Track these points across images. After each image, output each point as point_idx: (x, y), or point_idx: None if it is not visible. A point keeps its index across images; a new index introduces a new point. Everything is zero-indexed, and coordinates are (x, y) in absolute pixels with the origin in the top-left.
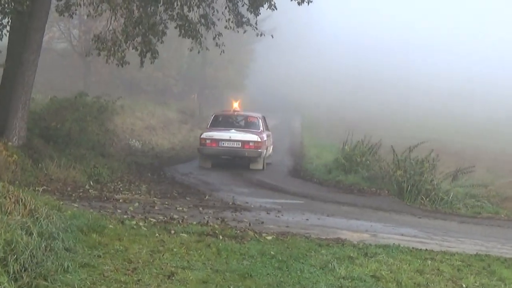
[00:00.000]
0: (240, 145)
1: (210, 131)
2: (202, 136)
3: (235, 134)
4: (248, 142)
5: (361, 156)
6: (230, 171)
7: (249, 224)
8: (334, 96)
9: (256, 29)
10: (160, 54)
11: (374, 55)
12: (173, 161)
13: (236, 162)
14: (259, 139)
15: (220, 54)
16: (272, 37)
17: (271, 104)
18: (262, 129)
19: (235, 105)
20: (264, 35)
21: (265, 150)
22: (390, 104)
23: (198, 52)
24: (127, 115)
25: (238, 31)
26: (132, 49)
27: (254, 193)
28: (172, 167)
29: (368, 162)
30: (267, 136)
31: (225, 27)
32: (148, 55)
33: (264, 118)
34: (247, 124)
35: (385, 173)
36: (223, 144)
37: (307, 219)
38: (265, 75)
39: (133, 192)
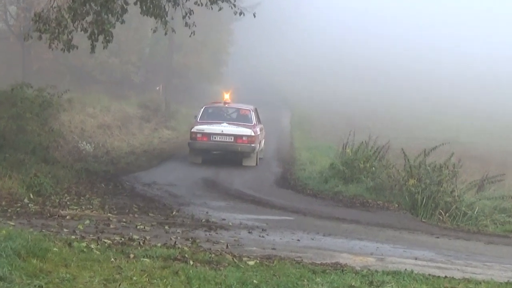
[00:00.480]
0: (232, 140)
1: (201, 125)
2: (192, 130)
3: (227, 128)
4: (241, 136)
5: (365, 162)
6: (203, 179)
7: (227, 246)
8: (329, 87)
9: (234, 6)
10: (116, 37)
11: (376, 40)
12: (133, 168)
13: (229, 157)
14: (252, 133)
15: (190, 36)
16: (254, 16)
17: (253, 96)
18: (255, 122)
19: (226, 96)
20: (244, 14)
21: (259, 145)
22: (397, 98)
23: (165, 33)
24: (76, 112)
25: (212, 8)
26: (81, 30)
27: (233, 208)
28: (131, 176)
29: (373, 168)
30: (260, 129)
31: (196, 3)
32: (101, 37)
33: (256, 111)
34: (239, 117)
35: (395, 183)
36: (215, 138)
37: (298, 240)
38: (246, 62)
39: (83, 207)
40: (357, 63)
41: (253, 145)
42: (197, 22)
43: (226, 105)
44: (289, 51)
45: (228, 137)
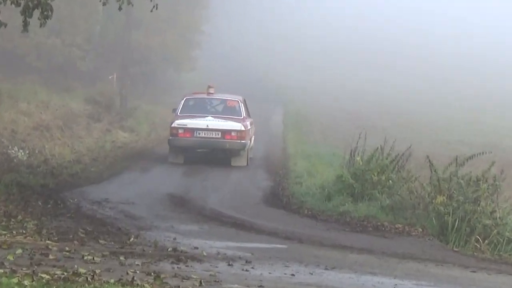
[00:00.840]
0: (220, 135)
1: (182, 119)
2: (173, 125)
3: (213, 122)
4: (229, 131)
5: (380, 173)
6: (169, 196)
7: (200, 282)
8: (331, 78)
9: None
10: (57, 11)
11: (386, 19)
12: (78, 182)
13: (215, 156)
14: (242, 128)
15: (152, 10)
16: None
17: (236, 87)
18: (244, 115)
19: (210, 88)
20: None
21: (249, 141)
22: (419, 90)
23: (119, 8)
24: (4, 108)
25: None
26: (11, 3)
27: (208, 233)
28: (77, 191)
29: (390, 182)
30: (250, 123)
31: None
32: (37, 12)
33: (245, 102)
34: (226, 109)
35: (418, 200)
36: (199, 134)
37: (292, 275)
38: (226, 44)
39: (14, 232)
40: (363, 47)
41: (243, 141)
42: None
43: (210, 96)
44: (280, 31)
45: (214, 133)
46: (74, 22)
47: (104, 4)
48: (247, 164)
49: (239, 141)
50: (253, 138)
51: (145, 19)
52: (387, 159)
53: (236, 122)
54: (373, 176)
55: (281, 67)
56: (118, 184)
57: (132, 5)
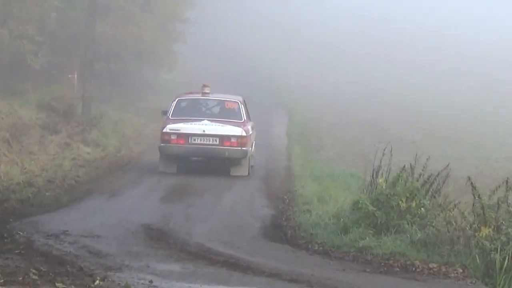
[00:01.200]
0: (218, 142)
1: (175, 123)
2: (164, 130)
3: (210, 127)
4: (229, 137)
5: (409, 199)
6: (144, 227)
7: None
8: (344, 76)
9: None
10: None
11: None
12: (30, 209)
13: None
14: (243, 133)
15: None
16: None
17: (229, 88)
18: (245, 118)
19: (206, 87)
20: None
21: (251, 148)
22: (455, 91)
23: None
24: None
25: None
26: None
27: (193, 274)
28: (28, 221)
29: (422, 210)
30: (252, 128)
31: None
32: None
33: (245, 103)
34: (224, 112)
35: (458, 233)
36: (195, 140)
37: None
38: (217, 35)
39: None
40: (383, 38)
41: (244, 148)
42: None
43: (206, 96)
44: (281, 19)
45: (212, 139)
46: (24, 9)
47: None
48: (248, 174)
49: (239, 148)
50: (254, 144)
51: (114, 3)
52: (418, 181)
53: (236, 126)
54: (400, 202)
55: (282, 63)
56: (80, 212)
57: None
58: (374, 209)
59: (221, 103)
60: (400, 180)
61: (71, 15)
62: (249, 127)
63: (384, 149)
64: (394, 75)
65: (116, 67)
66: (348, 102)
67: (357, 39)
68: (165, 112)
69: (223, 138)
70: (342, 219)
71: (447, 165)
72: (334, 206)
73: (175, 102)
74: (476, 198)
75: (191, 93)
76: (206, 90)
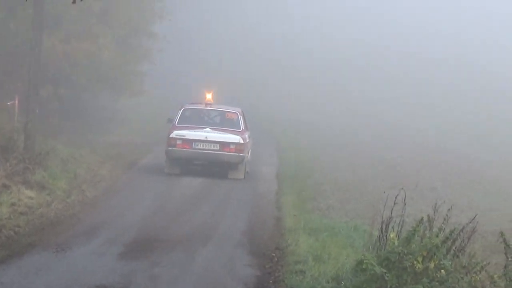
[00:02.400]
0: (218, 148)
1: (180, 129)
2: (171, 136)
3: (211, 134)
4: (228, 144)
5: (427, 258)
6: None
7: None
8: (342, 102)
9: None
10: None
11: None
12: None
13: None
14: (241, 141)
15: (75, 1)
16: None
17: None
18: (243, 127)
19: (208, 96)
20: None
21: (247, 154)
22: (477, 131)
23: None
24: None
25: None
26: None
27: None
28: None
29: (443, 272)
30: (249, 136)
31: None
32: None
33: (244, 114)
34: (225, 122)
35: None
36: (197, 146)
37: None
38: (191, 53)
39: None
40: (386, 59)
41: (241, 154)
42: None
43: (208, 107)
44: (271, 33)
45: (213, 145)
46: None
47: None
48: (244, 177)
49: (237, 154)
50: (250, 151)
51: (65, 13)
52: (437, 236)
53: (235, 134)
54: (416, 263)
55: (271, 87)
56: (20, 270)
57: None
58: (383, 270)
59: (222, 113)
60: (415, 236)
61: (11, 27)
62: (246, 136)
63: (396, 197)
64: (409, 109)
65: (67, 92)
66: (353, 139)
67: (363, 66)
68: (170, 120)
69: (223, 145)
70: (343, 283)
71: (474, 217)
72: (333, 267)
73: (181, 111)
74: (510, 259)
75: (195, 103)
76: (209, 101)
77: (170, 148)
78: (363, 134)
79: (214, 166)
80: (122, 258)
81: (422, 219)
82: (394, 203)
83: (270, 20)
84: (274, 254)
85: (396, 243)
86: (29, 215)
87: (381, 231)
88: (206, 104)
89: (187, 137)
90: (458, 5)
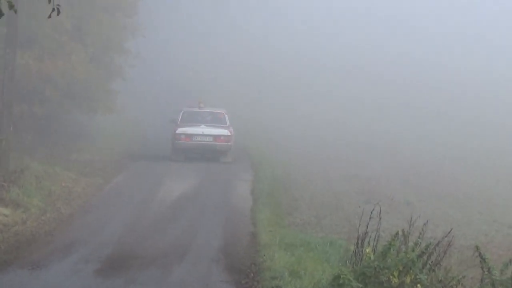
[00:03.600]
0: (212, 139)
1: (183, 127)
2: (177, 132)
3: (207, 129)
4: (219, 136)
5: (403, 273)
6: None
7: None
8: (320, 121)
9: None
10: None
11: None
12: None
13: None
14: (229, 133)
15: (51, 16)
16: None
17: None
18: (228, 123)
19: (200, 101)
20: None
21: (233, 143)
22: (452, 144)
23: None
24: None
25: None
26: None
27: None
28: None
29: (419, 287)
30: (233, 130)
31: None
32: None
33: (228, 113)
34: (215, 120)
35: None
36: (196, 138)
37: None
38: (164, 70)
39: None
40: (372, 77)
41: (229, 143)
42: None
43: (202, 109)
44: (245, 48)
45: (208, 137)
46: None
47: None
48: (231, 161)
49: (226, 143)
50: (234, 141)
51: (39, 30)
52: (413, 251)
53: (224, 129)
54: (392, 277)
55: (242, 101)
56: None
57: (15, 12)
58: (360, 285)
59: (212, 113)
60: (391, 250)
61: None
62: (232, 129)
63: (372, 211)
64: (383, 123)
65: (41, 109)
66: (328, 153)
67: (340, 77)
68: (173, 120)
69: (215, 137)
70: None
71: (450, 231)
72: (309, 282)
73: (181, 113)
74: (486, 273)
75: (191, 107)
76: (201, 104)
77: (176, 141)
78: (337, 148)
79: (209, 154)
80: (99, 275)
81: (397, 233)
82: (370, 218)
83: (269, 33)
84: (250, 270)
85: (372, 258)
86: (4, 233)
87: (357, 246)
88: (199, 107)
89: (188, 132)
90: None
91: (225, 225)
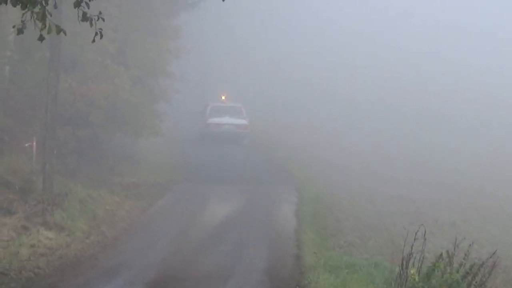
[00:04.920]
0: (235, 128)
1: (212, 117)
2: (209, 122)
3: (230, 119)
4: (240, 125)
5: None
6: None
7: None
8: (363, 143)
9: None
10: None
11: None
12: None
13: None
14: (247, 123)
15: (95, 41)
16: None
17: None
18: (245, 115)
19: (223, 97)
20: None
21: (250, 131)
22: (498, 166)
23: (40, 38)
24: None
25: None
26: None
27: None
28: None
29: None
30: (249, 120)
31: None
32: None
33: (244, 107)
34: (235, 112)
35: None
36: (223, 127)
37: None
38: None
39: None
40: (419, 95)
41: (247, 131)
42: (109, 14)
43: (224, 104)
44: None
45: (231, 126)
46: None
47: (19, 32)
48: (247, 143)
49: (245, 130)
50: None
51: (82, 54)
52: (458, 272)
53: (242, 119)
54: None
55: (289, 126)
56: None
57: (65, 33)
58: None
59: (232, 107)
60: (436, 271)
61: (28, 69)
62: (248, 120)
63: (417, 233)
64: (426, 145)
65: (85, 132)
66: (372, 175)
67: (385, 99)
68: (201, 111)
69: (237, 126)
70: None
71: (494, 252)
72: None
73: (209, 107)
74: None
75: (217, 102)
76: (224, 99)
77: (208, 129)
78: (381, 170)
79: (231, 139)
80: None
81: (442, 254)
82: (414, 239)
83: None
84: None
85: (416, 279)
86: (49, 256)
87: (402, 267)
88: (222, 102)
89: (217, 122)
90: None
91: (269, 247)
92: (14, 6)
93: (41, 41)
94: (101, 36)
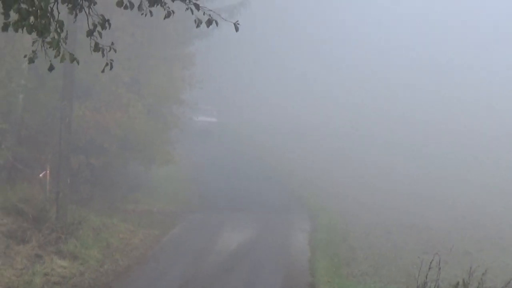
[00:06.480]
0: (208, 124)
1: (199, 116)
2: (196, 119)
3: (206, 118)
4: (211, 122)
5: None
6: None
7: None
8: (377, 171)
9: (196, 7)
10: None
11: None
12: None
13: None
14: (216, 120)
15: (104, 71)
16: (237, 29)
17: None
18: (216, 115)
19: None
20: (217, 23)
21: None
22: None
23: (50, 68)
24: None
25: (150, 14)
26: None
27: None
28: None
29: None
30: (218, 119)
31: (118, 4)
32: None
33: (217, 110)
34: (209, 113)
35: None
36: (204, 123)
37: None
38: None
39: None
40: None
41: (215, 125)
42: (123, 43)
43: (205, 108)
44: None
45: (207, 122)
46: None
47: (30, 61)
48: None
49: (214, 125)
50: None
51: (95, 82)
52: None
53: (213, 118)
54: None
55: (300, 154)
56: None
57: (78, 62)
58: None
59: (208, 110)
60: None
61: (41, 97)
62: (217, 119)
63: (431, 262)
64: (440, 174)
65: (98, 161)
66: (385, 203)
67: (397, 124)
68: (192, 117)
69: (210, 122)
70: None
71: (510, 281)
72: None
73: (199, 112)
74: None
75: (200, 107)
76: (206, 106)
77: (195, 125)
78: (394, 198)
79: (206, 132)
80: None
81: (458, 283)
82: (429, 268)
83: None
84: None
85: None
86: (63, 285)
87: None
88: (204, 107)
89: (200, 119)
90: None
91: (283, 276)
92: (29, 33)
93: (50, 71)
94: (111, 67)
